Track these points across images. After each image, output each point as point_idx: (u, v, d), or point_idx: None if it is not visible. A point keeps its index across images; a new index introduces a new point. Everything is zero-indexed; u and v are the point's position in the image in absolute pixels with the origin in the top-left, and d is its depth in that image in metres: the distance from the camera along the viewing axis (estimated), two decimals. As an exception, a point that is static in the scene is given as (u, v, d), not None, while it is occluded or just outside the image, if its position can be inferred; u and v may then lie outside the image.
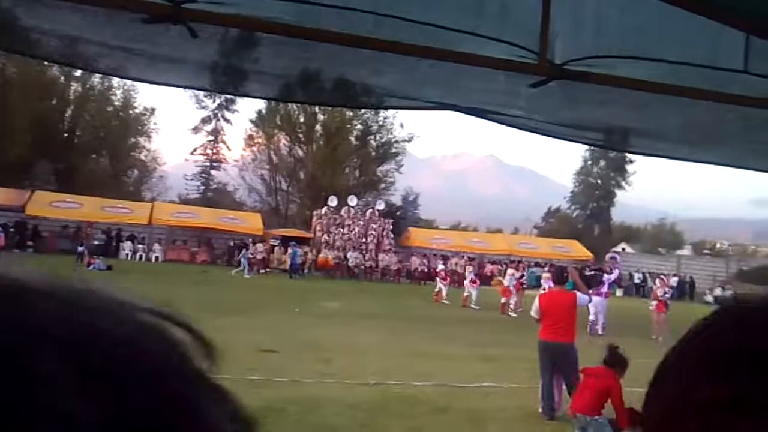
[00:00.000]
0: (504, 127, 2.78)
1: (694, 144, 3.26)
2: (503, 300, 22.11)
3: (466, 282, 24.45)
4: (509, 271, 24.05)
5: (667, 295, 19.81)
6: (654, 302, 19.29)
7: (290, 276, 31.80)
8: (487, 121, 2.68)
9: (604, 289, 19.09)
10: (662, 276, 24.38)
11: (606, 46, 2.40)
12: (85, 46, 2.37)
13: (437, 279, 26.64)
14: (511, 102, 2.54)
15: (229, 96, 53.42)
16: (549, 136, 2.77)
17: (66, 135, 47.85)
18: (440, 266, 28.98)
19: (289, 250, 34.20)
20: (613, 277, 20.16)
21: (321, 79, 2.59)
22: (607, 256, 23.01)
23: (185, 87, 2.93)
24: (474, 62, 2.22)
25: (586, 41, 2.40)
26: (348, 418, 7.39)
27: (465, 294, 23.68)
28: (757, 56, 2.59)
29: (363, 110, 50.08)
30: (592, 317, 17.36)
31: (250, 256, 34.56)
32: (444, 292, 24.90)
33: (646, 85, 2.43)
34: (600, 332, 17.53)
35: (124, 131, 50.12)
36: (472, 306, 23.04)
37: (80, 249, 30.49)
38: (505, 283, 22.57)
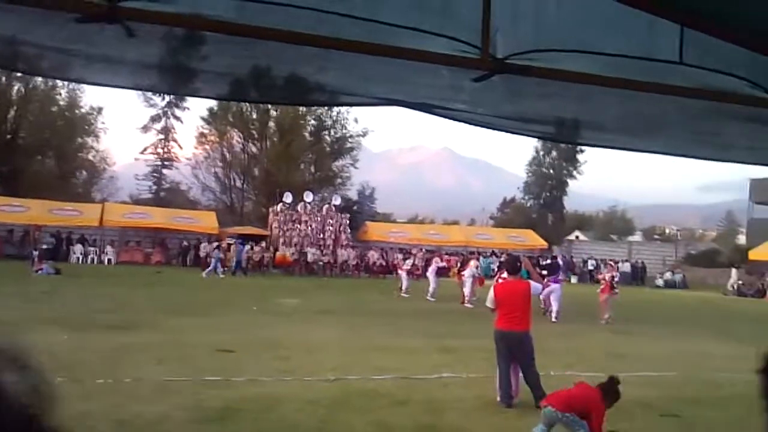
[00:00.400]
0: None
1: (637, 134, 3.35)
2: (465, 290, 22.25)
3: (429, 275, 24.56)
4: (471, 262, 24.20)
5: (616, 280, 20.34)
6: (600, 286, 19.84)
7: (233, 273, 31.13)
8: (432, 115, 2.70)
9: (560, 276, 19.50)
10: (610, 262, 25.01)
11: (546, 39, 2.45)
12: (21, 48, 2.30)
13: (399, 272, 26.74)
14: (455, 96, 2.57)
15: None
16: (494, 129, 2.80)
17: (9, 137, 46.23)
18: (402, 259, 29.12)
19: (233, 247, 33.72)
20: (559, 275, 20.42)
21: (268, 77, 2.57)
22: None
23: (126, 88, 2.85)
24: (417, 58, 2.24)
25: (527, 35, 2.44)
26: (308, 414, 7.37)
27: (431, 287, 23.78)
28: (691, 47, 2.68)
29: (314, 106, 49.87)
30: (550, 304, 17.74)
31: (203, 254, 34.01)
32: (404, 285, 25.01)
33: (587, 78, 2.48)
34: (554, 319, 17.89)
35: (70, 131, 48.73)
36: (429, 298, 23.19)
37: (34, 253, 29.61)
38: (467, 274, 22.71)
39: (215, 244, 33.91)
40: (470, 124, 2.73)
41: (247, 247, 34.01)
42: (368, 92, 2.59)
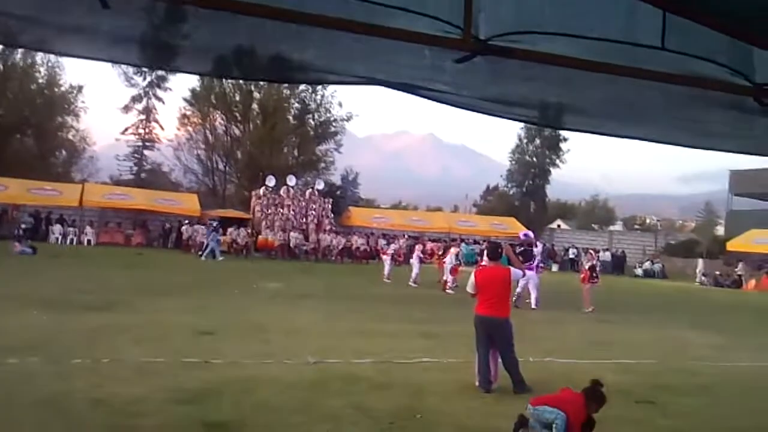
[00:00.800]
0: (440, 105, 2.79)
1: (620, 120, 3.36)
2: (446, 277, 22.39)
3: (413, 260, 24.61)
4: (452, 249, 24.32)
5: (597, 269, 20.51)
6: (581, 275, 19.99)
7: (203, 257, 30.79)
8: (416, 96, 2.68)
9: (535, 263, 19.53)
10: (590, 250, 25.24)
11: (529, 21, 2.43)
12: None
13: (383, 258, 26.77)
14: (438, 77, 2.55)
15: (160, 73, 51.91)
16: (478, 111, 2.79)
17: (-13, 115, 45.50)
18: (385, 245, 29.15)
19: (202, 230, 33.72)
20: (539, 250, 20.51)
21: (249, 53, 2.53)
22: (520, 233, 23.42)
23: (100, 60, 2.78)
24: (399, 37, 2.21)
25: (509, 17, 2.42)
26: (288, 397, 7.37)
27: (414, 273, 23.82)
28: (674, 33, 2.67)
29: (297, 87, 49.51)
30: (519, 290, 17.72)
31: (185, 237, 33.77)
32: (387, 271, 25.04)
33: (568, 61, 2.47)
34: (534, 306, 18.00)
35: (49, 110, 48.00)
36: (411, 284, 23.26)
37: (18, 232, 29.33)
38: (447, 261, 22.84)
39: (214, 224, 33.51)
40: (453, 105, 2.71)
41: (221, 232, 33.68)
42: (350, 71, 2.57)
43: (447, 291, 21.41)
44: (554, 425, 5.74)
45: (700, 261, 41.61)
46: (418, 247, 26.18)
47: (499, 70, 2.61)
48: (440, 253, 27.34)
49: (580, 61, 2.54)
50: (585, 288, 19.15)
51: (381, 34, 2.20)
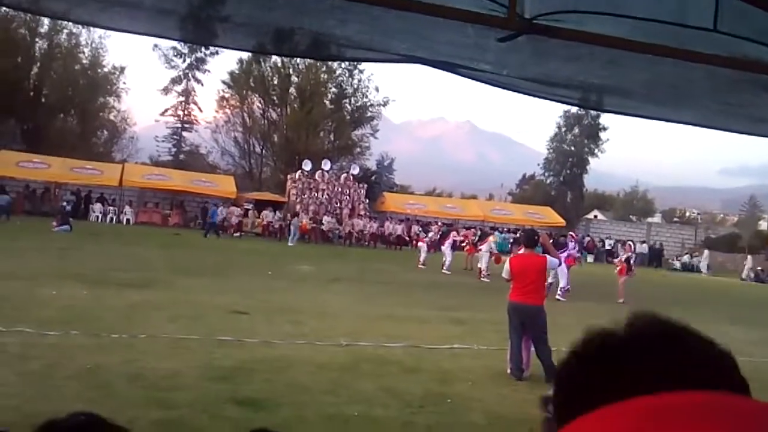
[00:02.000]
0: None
1: (665, 103, 3.26)
2: (481, 265, 22.28)
3: (445, 248, 24.62)
4: (490, 238, 24.22)
5: (632, 261, 20.20)
6: (617, 267, 19.68)
7: (205, 235, 31.44)
8: (456, 75, 2.64)
9: (567, 253, 19.24)
10: (627, 242, 24.86)
11: (575, 0, 2.37)
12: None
13: (419, 244, 26.83)
14: (479, 56, 2.50)
15: (199, 56, 52.40)
16: (519, 92, 2.74)
17: (32, 94, 46.52)
18: (421, 231, 29.31)
19: (251, 213, 34.40)
20: (567, 251, 20.06)
21: (288, 28, 2.51)
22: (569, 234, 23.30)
23: (142, 34, 2.80)
24: (441, 14, 2.17)
25: (555, -5, 2.36)
26: (318, 377, 7.44)
27: (447, 260, 23.81)
28: (727, 15, 2.57)
29: (334, 71, 49.50)
30: (551, 279, 17.50)
31: (219, 218, 34.26)
32: (422, 257, 25.08)
33: (614, 41, 2.41)
34: (558, 296, 17.56)
35: (92, 91, 48.87)
36: (444, 271, 23.22)
37: (68, 208, 30.32)
38: (484, 249, 22.69)
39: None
40: (494, 85, 2.66)
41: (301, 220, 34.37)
42: (391, 49, 2.53)
43: (482, 279, 21.29)
44: None
45: (749, 257, 40.50)
46: (452, 235, 26.11)
47: (541, 49, 2.55)
48: (475, 239, 27.23)
49: (626, 41, 2.46)
50: (621, 280, 18.88)
51: (423, 10, 2.16)
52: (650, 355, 0.59)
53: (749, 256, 40.64)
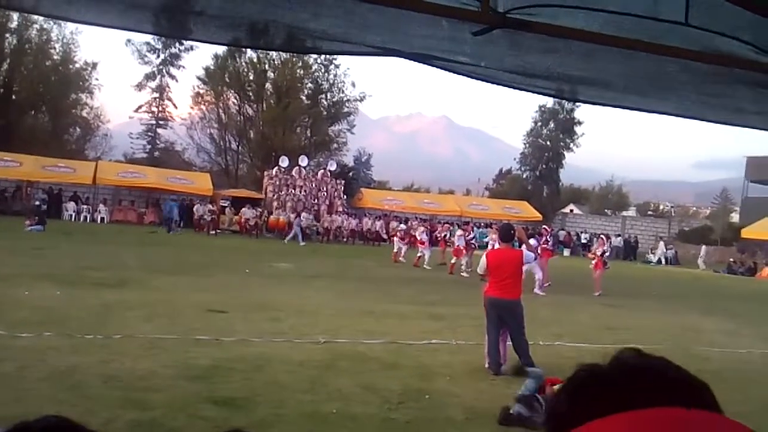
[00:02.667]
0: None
1: (641, 93, 3.27)
2: (453, 260, 22.44)
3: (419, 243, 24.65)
4: (458, 231, 24.34)
5: (606, 254, 20.46)
6: (593, 261, 19.88)
7: (168, 231, 31.60)
8: (433, 67, 2.62)
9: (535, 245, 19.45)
10: (601, 235, 25.14)
11: (549, -6, 2.36)
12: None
13: (395, 239, 26.81)
14: (456, 48, 2.49)
15: (173, 51, 51.78)
16: (496, 83, 2.73)
17: (2, 90, 45.66)
18: (399, 227, 29.34)
19: (227, 210, 34.53)
20: (533, 242, 20.18)
21: (262, 21, 2.48)
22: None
23: (113, 27, 2.73)
24: (415, 7, 2.15)
25: (529, -11, 2.35)
26: (297, 375, 7.41)
27: (418, 255, 23.86)
28: (698, 10, 2.59)
29: (310, 66, 49.25)
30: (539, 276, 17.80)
31: (198, 217, 34.03)
32: (402, 252, 25.10)
33: (588, 35, 2.40)
34: (536, 290, 17.63)
35: (64, 87, 48.02)
36: (425, 266, 23.28)
37: (43, 207, 29.97)
38: (455, 243, 22.89)
39: (303, 216, 34.36)
40: (472, 77, 2.65)
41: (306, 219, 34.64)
42: (365, 41, 2.51)
43: (462, 274, 21.30)
44: None
45: (703, 247, 41.37)
46: (421, 230, 25.86)
47: (518, 41, 2.54)
48: (444, 236, 27.35)
49: (600, 35, 2.46)
50: (596, 274, 19.08)
51: (397, 3, 2.14)
52: (631, 379, 0.66)
53: (703, 247, 41.56)
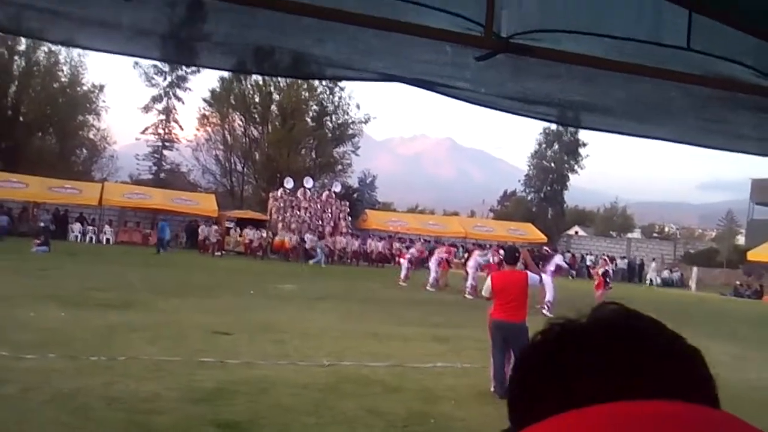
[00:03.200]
0: (458, 109, 2.78)
1: (643, 120, 3.30)
2: (469, 282, 22.42)
3: (431, 264, 24.71)
4: (476, 252, 24.44)
5: (609, 275, 20.48)
6: (596, 280, 19.93)
7: (157, 251, 31.62)
8: (435, 93, 2.65)
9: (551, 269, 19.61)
10: (604, 256, 25.14)
11: (552, 19, 2.39)
12: (6, 7, 2.23)
13: (401, 261, 26.90)
14: (457, 74, 2.52)
15: (180, 74, 52.29)
16: (497, 109, 2.75)
17: (10, 112, 46.08)
18: (406, 248, 29.65)
19: (232, 231, 34.77)
20: (554, 263, 20.34)
21: (267, 47, 2.51)
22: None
23: (121, 54, 2.78)
24: (418, 33, 2.19)
25: (532, 15, 2.39)
26: (302, 398, 7.36)
27: (433, 275, 23.92)
28: (699, 34, 2.62)
29: (315, 89, 49.62)
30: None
31: (203, 238, 34.10)
32: (405, 274, 25.12)
33: (591, 61, 2.43)
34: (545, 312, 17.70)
35: (71, 109, 48.51)
36: (428, 288, 23.22)
37: (52, 227, 30.16)
38: (470, 266, 22.77)
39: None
40: (473, 103, 2.68)
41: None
42: (369, 67, 2.54)
43: (465, 296, 21.25)
44: None
45: (694, 269, 41.36)
46: (438, 251, 26.11)
47: (520, 67, 2.57)
48: (464, 258, 27.49)
49: (602, 60, 2.49)
50: (597, 294, 19.03)
51: (401, 29, 2.17)
52: (611, 348, 0.56)
53: (695, 269, 41.49)
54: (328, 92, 52.17)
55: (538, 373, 0.57)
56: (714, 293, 38.04)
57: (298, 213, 37.95)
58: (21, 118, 46.71)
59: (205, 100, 52.67)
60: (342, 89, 52.46)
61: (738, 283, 39.35)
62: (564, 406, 0.53)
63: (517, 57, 2.34)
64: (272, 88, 51.20)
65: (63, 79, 48.78)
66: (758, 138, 3.10)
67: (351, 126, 54.12)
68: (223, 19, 2.38)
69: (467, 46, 2.30)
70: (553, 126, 57.37)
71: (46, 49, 46.20)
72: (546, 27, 2.36)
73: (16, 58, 45.94)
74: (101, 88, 50.75)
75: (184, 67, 51.76)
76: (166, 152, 55.12)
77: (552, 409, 0.53)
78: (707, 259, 49.41)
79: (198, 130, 54.43)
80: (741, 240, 58.84)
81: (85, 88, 50.12)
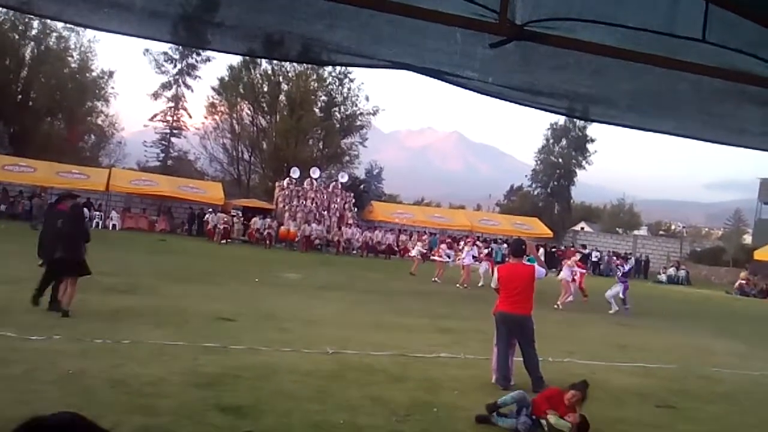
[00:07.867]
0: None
1: (648, 113, 3.28)
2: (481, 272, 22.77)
3: (436, 256, 25.01)
4: (467, 246, 24.47)
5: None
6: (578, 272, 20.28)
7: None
8: (442, 82, 2.64)
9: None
10: (571, 248, 25.44)
11: (566, 8, 2.38)
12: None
13: (411, 252, 27.23)
14: (466, 63, 2.51)
15: (190, 61, 52.27)
16: (504, 99, 2.75)
17: (20, 97, 46.18)
18: (418, 240, 30.07)
19: (235, 219, 35.09)
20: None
21: (278, 32, 2.51)
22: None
23: (133, 36, 2.78)
24: (433, 18, 2.18)
25: (547, 3, 2.38)
26: (305, 385, 7.38)
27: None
28: (716, 26, 2.60)
29: (324, 79, 49.50)
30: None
31: (210, 226, 34.12)
32: (416, 265, 25.38)
33: (604, 49, 2.42)
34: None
35: (80, 95, 48.54)
36: (435, 279, 23.26)
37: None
38: (464, 256, 22.96)
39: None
40: (480, 93, 2.67)
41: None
42: (378, 54, 2.53)
43: (462, 286, 21.63)
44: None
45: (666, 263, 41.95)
46: (444, 245, 26.23)
47: (528, 58, 2.56)
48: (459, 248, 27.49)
49: (616, 50, 2.48)
50: (568, 286, 19.22)
51: (414, 14, 2.16)
52: None
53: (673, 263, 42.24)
54: (337, 83, 52.10)
55: None
56: (720, 291, 37.92)
57: (304, 203, 37.95)
58: (30, 103, 46.77)
59: (213, 89, 52.66)
60: (351, 80, 52.39)
61: (743, 281, 39.12)
62: None
63: (526, 47, 2.33)
64: (281, 78, 51.13)
65: (73, 65, 48.78)
66: (763, 133, 3.08)
67: (359, 117, 54.03)
68: (235, 3, 2.37)
69: (479, 33, 2.29)
70: (561, 121, 57.23)
71: (56, 35, 46.25)
72: (560, 15, 2.35)
73: (26, 42, 45.95)
74: (111, 74, 50.79)
75: (194, 55, 51.77)
76: (173, 139, 55.25)
77: None
78: (714, 258, 49.18)
79: (206, 118, 54.46)
80: (748, 239, 58.53)
81: (94, 74, 50.14)
